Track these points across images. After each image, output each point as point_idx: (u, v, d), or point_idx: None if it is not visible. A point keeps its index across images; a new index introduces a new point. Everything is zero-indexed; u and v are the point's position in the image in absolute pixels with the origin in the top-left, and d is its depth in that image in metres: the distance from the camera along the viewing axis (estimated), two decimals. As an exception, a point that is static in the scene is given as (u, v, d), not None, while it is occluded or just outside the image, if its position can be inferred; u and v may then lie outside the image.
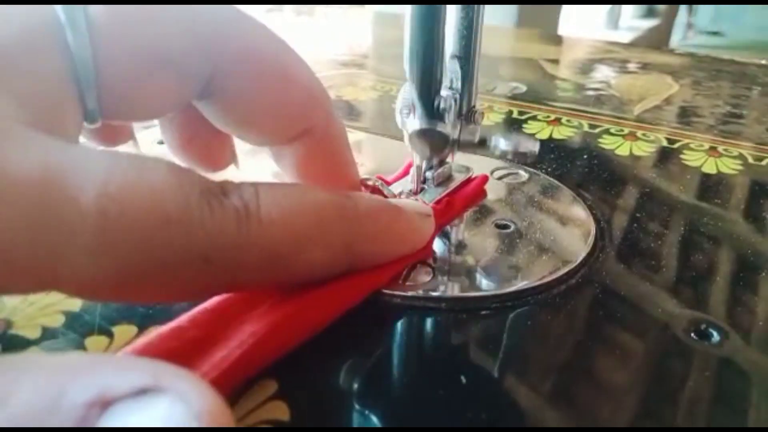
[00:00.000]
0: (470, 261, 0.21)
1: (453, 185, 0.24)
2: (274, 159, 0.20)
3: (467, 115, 0.22)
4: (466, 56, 0.21)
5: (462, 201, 0.24)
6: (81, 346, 0.17)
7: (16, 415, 0.12)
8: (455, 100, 0.21)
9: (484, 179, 0.26)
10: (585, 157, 0.32)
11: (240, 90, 0.17)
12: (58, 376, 0.12)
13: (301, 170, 0.19)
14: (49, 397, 0.12)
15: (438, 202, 0.23)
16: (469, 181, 0.25)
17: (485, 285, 0.20)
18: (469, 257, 0.21)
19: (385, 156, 0.20)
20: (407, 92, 0.21)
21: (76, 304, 0.18)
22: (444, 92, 0.21)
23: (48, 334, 0.17)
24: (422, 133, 0.21)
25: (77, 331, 0.17)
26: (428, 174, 0.23)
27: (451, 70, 0.21)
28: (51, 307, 0.18)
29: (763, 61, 0.55)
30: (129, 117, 0.17)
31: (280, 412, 0.15)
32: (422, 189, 0.23)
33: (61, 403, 0.12)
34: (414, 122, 0.22)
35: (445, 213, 0.23)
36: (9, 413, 0.12)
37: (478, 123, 0.22)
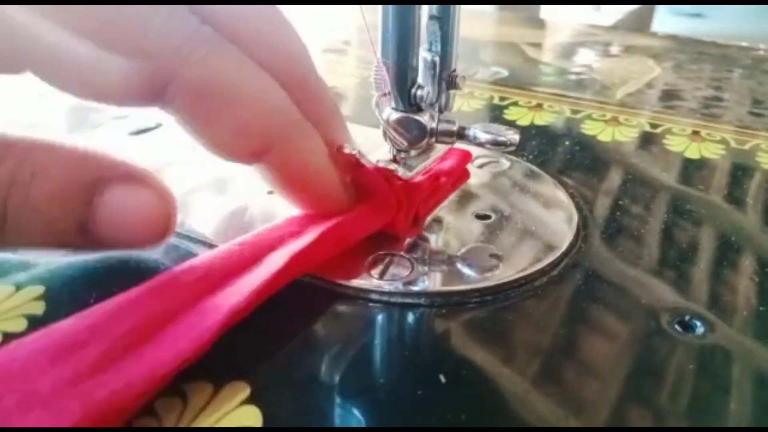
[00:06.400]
0: (450, 252, 0.20)
1: (434, 155, 0.23)
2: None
3: (448, 79, 0.21)
4: (445, 17, 0.20)
5: (448, 182, 0.23)
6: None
7: None
8: (432, 87, 0.21)
9: (466, 157, 0.24)
10: (567, 143, 0.31)
11: (189, 107, 0.17)
12: None
13: (276, 187, 0.19)
14: None
15: (424, 174, 0.22)
16: (450, 152, 0.24)
17: (466, 277, 0.19)
18: (449, 248, 0.21)
19: (367, 146, 0.19)
20: (381, 76, 0.20)
21: (39, 307, 0.17)
22: (423, 54, 0.20)
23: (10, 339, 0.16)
24: (398, 123, 0.21)
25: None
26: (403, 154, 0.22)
27: (430, 32, 0.21)
28: (12, 311, 0.17)
29: (744, 44, 0.55)
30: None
31: (253, 418, 0.14)
32: (402, 160, 0.22)
33: None
34: (389, 111, 0.21)
35: (434, 192, 0.22)
36: None
37: (459, 87, 0.22)
